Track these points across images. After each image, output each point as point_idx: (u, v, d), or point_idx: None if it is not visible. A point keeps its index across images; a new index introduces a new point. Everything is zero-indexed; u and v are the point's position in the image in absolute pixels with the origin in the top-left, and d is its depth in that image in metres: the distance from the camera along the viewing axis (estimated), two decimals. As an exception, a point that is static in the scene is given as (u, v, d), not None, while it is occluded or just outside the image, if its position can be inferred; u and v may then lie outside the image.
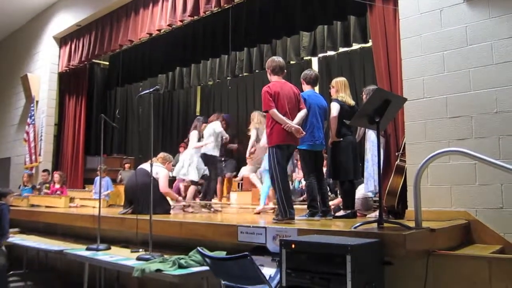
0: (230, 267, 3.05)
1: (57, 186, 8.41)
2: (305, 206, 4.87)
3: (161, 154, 6.33)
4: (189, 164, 6.69)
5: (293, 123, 4.17)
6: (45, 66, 10.18)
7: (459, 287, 2.91)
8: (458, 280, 2.93)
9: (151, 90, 4.39)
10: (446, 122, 4.13)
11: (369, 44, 6.57)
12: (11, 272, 6.25)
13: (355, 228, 3.22)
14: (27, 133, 9.84)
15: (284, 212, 4.07)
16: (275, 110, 4.15)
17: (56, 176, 8.53)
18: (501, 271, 2.82)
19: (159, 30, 7.65)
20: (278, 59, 4.54)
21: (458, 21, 4.17)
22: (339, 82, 5.04)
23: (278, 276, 2.94)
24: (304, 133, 4.32)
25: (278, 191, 4.14)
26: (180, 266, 3.56)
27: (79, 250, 4.73)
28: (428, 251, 3.06)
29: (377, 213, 4.06)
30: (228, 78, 9.83)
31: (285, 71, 4.53)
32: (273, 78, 4.43)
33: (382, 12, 4.92)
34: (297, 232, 3.41)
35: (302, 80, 5.01)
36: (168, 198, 6.15)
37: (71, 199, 8.13)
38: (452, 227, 3.68)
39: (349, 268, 2.53)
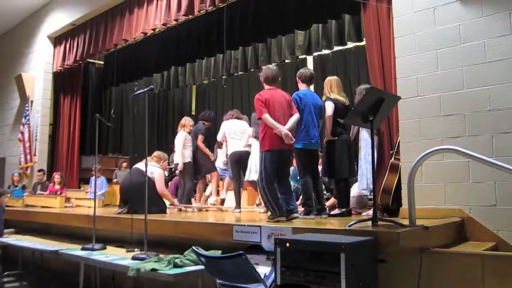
0: (225, 266, 3.06)
1: (57, 187, 8.39)
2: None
3: (156, 153, 6.32)
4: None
5: (285, 128, 4.23)
6: (40, 65, 10.13)
7: (453, 284, 2.93)
8: (451, 277, 2.95)
9: (145, 89, 4.40)
10: (439, 120, 4.15)
11: (364, 42, 6.58)
12: (5, 273, 6.24)
13: (349, 226, 3.24)
14: (22, 133, 9.79)
15: (273, 210, 4.16)
16: (266, 115, 4.22)
17: (57, 177, 8.51)
18: (494, 268, 2.84)
19: (154, 29, 7.63)
20: (271, 69, 4.57)
21: (451, 19, 4.19)
22: (331, 81, 5.06)
23: (273, 274, 2.95)
24: (294, 140, 4.35)
25: (264, 194, 4.24)
26: (175, 265, 3.57)
27: (75, 250, 4.72)
28: (422, 248, 3.08)
29: (371, 211, 4.08)
30: (223, 77, 9.81)
31: (279, 79, 4.57)
32: (266, 87, 4.51)
33: (376, 10, 4.94)
34: (291, 230, 3.42)
35: (297, 78, 5.02)
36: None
37: (67, 199, 8.11)
38: (446, 224, 3.70)
39: (343, 266, 2.55)
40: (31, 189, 8.91)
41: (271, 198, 4.16)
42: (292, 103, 4.54)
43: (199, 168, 6.81)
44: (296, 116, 4.45)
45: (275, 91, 4.44)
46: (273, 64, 7.98)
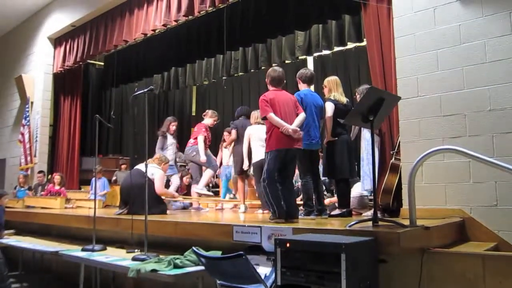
0: (225, 266, 3.05)
1: (57, 187, 8.38)
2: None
3: (158, 155, 6.31)
4: None
5: (291, 126, 4.18)
6: (40, 66, 10.14)
7: (453, 284, 2.93)
8: (452, 277, 2.95)
9: (145, 90, 4.38)
10: (440, 120, 4.15)
11: (364, 43, 6.58)
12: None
13: (349, 226, 3.23)
14: (22, 134, 9.80)
15: (274, 211, 4.13)
16: (272, 114, 4.18)
17: (57, 177, 8.50)
18: (495, 268, 2.84)
19: (154, 30, 7.64)
20: (277, 71, 4.50)
21: (451, 19, 4.19)
22: (330, 81, 5.05)
23: (273, 275, 2.95)
24: (302, 132, 4.32)
25: (265, 194, 4.20)
26: (176, 266, 3.56)
27: (75, 251, 4.72)
28: (423, 248, 3.07)
29: (372, 211, 4.07)
30: (224, 77, 9.82)
31: (284, 82, 4.52)
32: (270, 88, 4.47)
33: (376, 11, 4.94)
34: (292, 231, 3.41)
35: (298, 79, 5.01)
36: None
37: (67, 200, 8.10)
38: (446, 224, 3.69)
39: (343, 266, 2.54)
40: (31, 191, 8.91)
41: (272, 198, 4.12)
42: (298, 103, 4.49)
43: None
44: (302, 115, 4.38)
45: (280, 92, 4.41)
46: (274, 64, 7.99)
